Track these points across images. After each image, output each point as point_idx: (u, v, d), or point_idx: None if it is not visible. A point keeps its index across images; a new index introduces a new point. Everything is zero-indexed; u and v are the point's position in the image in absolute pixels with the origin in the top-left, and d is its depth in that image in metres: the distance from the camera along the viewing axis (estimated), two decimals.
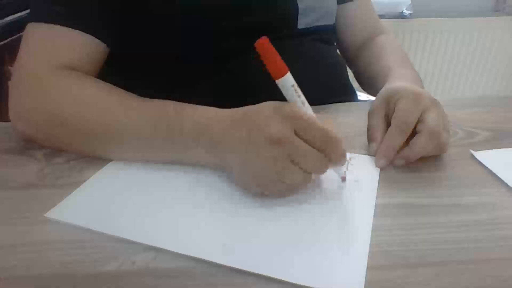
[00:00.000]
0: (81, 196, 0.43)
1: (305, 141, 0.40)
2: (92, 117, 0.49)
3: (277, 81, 0.41)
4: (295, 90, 0.41)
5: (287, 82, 0.41)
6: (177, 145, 0.46)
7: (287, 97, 0.42)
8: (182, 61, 0.61)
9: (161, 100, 0.49)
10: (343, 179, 0.45)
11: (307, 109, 0.42)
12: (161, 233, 0.38)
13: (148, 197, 0.43)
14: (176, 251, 0.36)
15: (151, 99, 0.50)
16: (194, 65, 0.61)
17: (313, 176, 0.43)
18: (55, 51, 0.53)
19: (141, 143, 0.47)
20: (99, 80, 0.53)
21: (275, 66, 0.40)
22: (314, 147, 0.40)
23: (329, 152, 0.41)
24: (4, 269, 0.34)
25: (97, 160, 0.49)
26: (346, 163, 0.44)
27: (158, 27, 0.59)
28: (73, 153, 0.50)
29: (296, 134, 0.40)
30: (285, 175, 0.40)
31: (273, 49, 0.39)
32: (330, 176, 0.45)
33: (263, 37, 0.39)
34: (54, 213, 0.40)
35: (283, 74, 0.40)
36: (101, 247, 0.36)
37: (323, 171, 0.42)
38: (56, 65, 0.52)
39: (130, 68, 0.64)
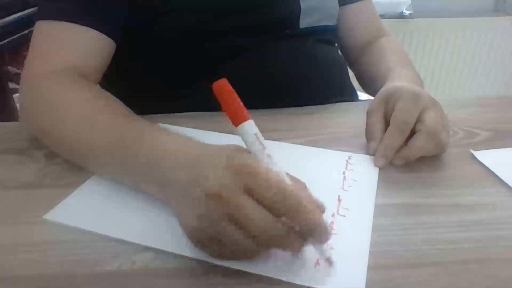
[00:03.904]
0: (79, 197, 0.43)
1: (260, 203, 0.31)
2: (64, 131, 0.47)
3: (237, 128, 0.34)
4: (258, 139, 0.34)
5: (250, 130, 0.34)
6: (131, 176, 0.42)
7: (249, 145, 0.34)
8: (183, 59, 0.62)
9: (127, 122, 0.45)
10: (329, 262, 0.34)
11: (273, 164, 0.34)
12: (160, 234, 0.38)
13: (147, 198, 0.43)
14: (176, 252, 0.36)
15: (120, 118, 0.46)
16: (196, 64, 0.61)
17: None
18: (60, 50, 0.53)
19: (102, 166, 0.45)
20: (84, 84, 0.51)
21: (235, 110, 0.34)
22: (273, 213, 0.31)
23: (294, 221, 0.31)
24: (4, 269, 0.34)
25: None
26: (327, 241, 0.33)
27: (161, 25, 0.59)
28: None
29: (249, 193, 0.31)
30: (224, 238, 0.32)
31: (233, 92, 0.34)
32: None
33: (222, 78, 0.34)
34: (52, 215, 0.40)
35: (245, 120, 0.34)
36: (101, 247, 0.36)
37: (287, 246, 0.32)
38: (57, 66, 0.52)
39: (130, 67, 0.65)
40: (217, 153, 0.35)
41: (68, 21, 0.53)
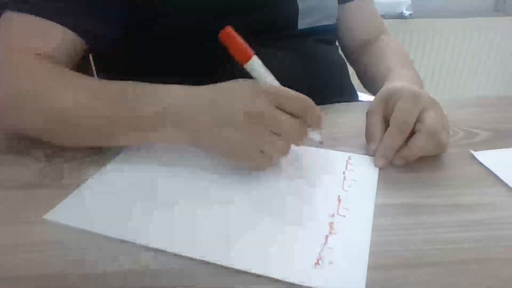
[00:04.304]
0: (79, 197, 0.43)
1: (288, 112, 0.43)
2: (55, 103, 0.47)
3: (246, 65, 0.45)
4: (266, 68, 0.45)
5: (257, 63, 0.45)
6: (140, 129, 0.46)
7: (260, 77, 0.45)
8: (183, 59, 0.62)
9: (120, 84, 0.49)
10: (321, 143, 0.48)
11: (279, 84, 0.46)
12: (160, 234, 0.38)
13: (147, 198, 0.43)
14: (176, 252, 0.36)
15: (111, 82, 0.49)
16: (196, 64, 0.61)
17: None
18: (28, 40, 0.52)
19: (102, 129, 0.47)
20: (61, 69, 0.51)
21: (241, 51, 0.44)
22: (295, 117, 0.43)
23: (308, 118, 0.44)
24: (4, 269, 0.34)
25: (97, 160, 0.49)
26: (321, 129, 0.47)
27: (161, 25, 0.59)
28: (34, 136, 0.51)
29: (278, 108, 0.43)
30: (267, 147, 0.43)
31: (238, 36, 0.43)
32: (330, 174, 0.44)
33: (227, 26, 0.43)
34: (52, 215, 0.40)
35: (251, 57, 0.44)
36: (101, 247, 0.36)
37: (302, 138, 0.45)
38: (27, 53, 0.51)
39: (130, 67, 0.65)
40: (235, 88, 0.44)
41: (37, 15, 0.52)
